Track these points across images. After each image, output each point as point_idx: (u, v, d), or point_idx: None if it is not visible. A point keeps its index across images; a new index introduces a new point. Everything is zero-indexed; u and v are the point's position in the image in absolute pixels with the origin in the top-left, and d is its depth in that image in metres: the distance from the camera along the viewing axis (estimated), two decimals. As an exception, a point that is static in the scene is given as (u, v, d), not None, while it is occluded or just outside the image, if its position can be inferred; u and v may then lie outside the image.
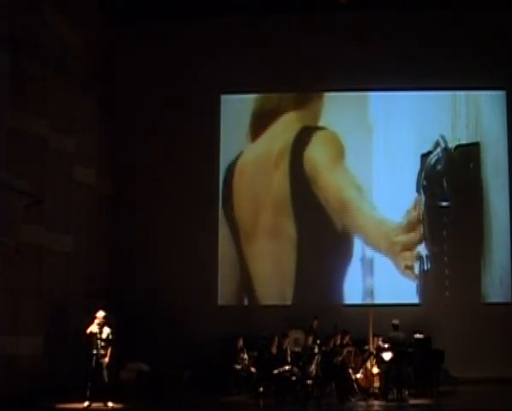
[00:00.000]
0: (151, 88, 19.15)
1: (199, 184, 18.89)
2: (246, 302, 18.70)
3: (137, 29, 19.34)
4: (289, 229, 18.65)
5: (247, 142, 19.15)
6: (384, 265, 18.46)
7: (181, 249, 18.68)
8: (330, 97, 19.05)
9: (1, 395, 13.79)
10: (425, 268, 18.54)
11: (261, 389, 14.86)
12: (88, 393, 13.63)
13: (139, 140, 19.16)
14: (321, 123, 18.99)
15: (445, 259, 18.58)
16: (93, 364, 13.71)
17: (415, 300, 18.42)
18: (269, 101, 19.12)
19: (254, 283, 18.67)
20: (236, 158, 19.01)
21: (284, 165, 18.80)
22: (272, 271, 18.68)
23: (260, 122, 19.02)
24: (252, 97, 19.26)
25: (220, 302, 18.75)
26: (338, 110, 18.96)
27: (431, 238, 18.61)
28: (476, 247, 18.57)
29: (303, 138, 18.84)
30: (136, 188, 19.05)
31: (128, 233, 18.85)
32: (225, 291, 18.79)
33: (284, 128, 18.96)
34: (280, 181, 18.76)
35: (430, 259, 18.55)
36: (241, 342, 16.18)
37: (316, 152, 18.85)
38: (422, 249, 18.59)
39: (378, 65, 18.63)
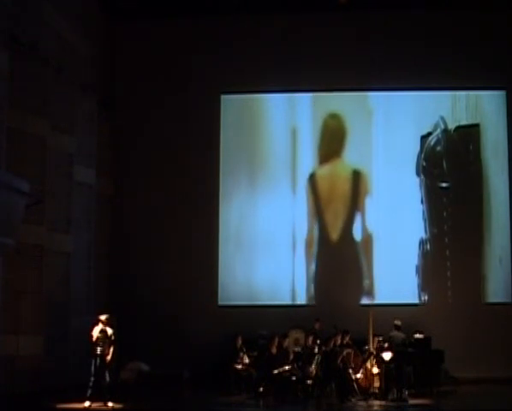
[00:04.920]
0: (150, 88, 19.15)
1: (199, 184, 18.90)
2: (246, 302, 18.70)
3: (137, 29, 19.36)
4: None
5: (247, 143, 19.19)
6: (384, 264, 18.54)
7: (181, 249, 18.69)
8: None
9: (1, 395, 13.79)
10: (426, 249, 18.63)
11: (261, 389, 14.88)
12: (89, 393, 13.68)
13: (140, 140, 19.17)
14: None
15: (445, 240, 18.69)
16: (97, 364, 13.81)
17: (415, 292, 18.49)
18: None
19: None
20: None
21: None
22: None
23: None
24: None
25: (220, 302, 18.76)
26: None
27: (430, 219, 18.69)
28: (476, 227, 18.71)
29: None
30: (136, 188, 19.06)
31: (128, 233, 18.85)
32: (225, 291, 18.81)
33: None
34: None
35: (430, 241, 18.66)
36: (239, 341, 16.17)
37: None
38: (422, 230, 18.69)
39: (378, 65, 18.67)
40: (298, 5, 18.60)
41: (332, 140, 19.09)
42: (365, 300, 18.49)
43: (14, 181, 11.87)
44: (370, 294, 18.57)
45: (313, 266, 18.75)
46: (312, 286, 18.69)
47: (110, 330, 14.05)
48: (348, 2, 18.38)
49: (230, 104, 19.37)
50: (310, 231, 18.85)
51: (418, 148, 18.91)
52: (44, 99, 15.71)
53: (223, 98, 19.31)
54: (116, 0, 18.84)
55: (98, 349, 13.85)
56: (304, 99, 19.22)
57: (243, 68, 18.96)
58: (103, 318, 14.08)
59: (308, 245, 18.79)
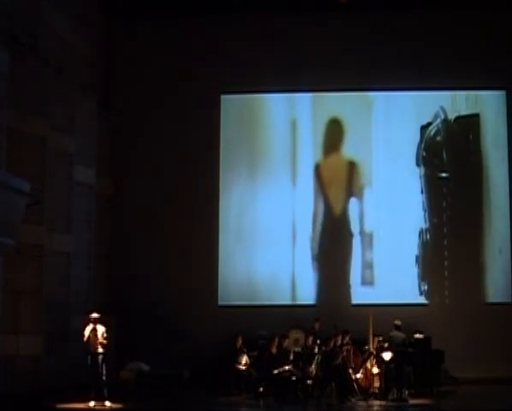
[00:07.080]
0: (150, 88, 19.15)
1: (200, 184, 18.90)
2: (246, 302, 18.70)
3: (137, 29, 19.36)
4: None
5: (247, 143, 19.20)
6: (384, 263, 18.56)
7: (181, 249, 18.69)
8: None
9: (1, 394, 13.79)
10: (426, 239, 18.66)
11: (261, 389, 14.88)
12: (93, 393, 13.70)
13: (140, 140, 19.17)
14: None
15: (444, 230, 18.72)
16: (89, 362, 13.88)
17: (415, 282, 18.50)
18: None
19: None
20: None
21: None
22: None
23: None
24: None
25: (220, 302, 18.76)
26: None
27: (430, 209, 18.72)
28: (475, 217, 18.73)
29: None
30: (136, 188, 19.06)
31: (128, 233, 18.86)
32: (225, 290, 18.81)
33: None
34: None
35: (429, 230, 18.68)
36: (239, 341, 16.16)
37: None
38: (422, 220, 18.71)
39: (378, 65, 18.68)
40: (298, 5, 18.59)
41: (332, 134, 19.08)
42: (366, 291, 18.48)
43: (14, 181, 11.87)
44: (370, 284, 18.56)
45: (313, 262, 18.76)
46: (313, 280, 18.71)
47: (101, 329, 14.07)
48: (348, 2, 18.38)
49: (230, 103, 19.37)
50: (314, 222, 18.87)
51: (418, 138, 18.92)
52: (44, 99, 15.72)
53: (223, 98, 19.31)
54: (116, 0, 18.84)
55: (90, 348, 13.90)
56: (304, 98, 19.21)
57: (243, 68, 18.95)
58: (92, 316, 14.12)
59: (313, 229, 18.82)
